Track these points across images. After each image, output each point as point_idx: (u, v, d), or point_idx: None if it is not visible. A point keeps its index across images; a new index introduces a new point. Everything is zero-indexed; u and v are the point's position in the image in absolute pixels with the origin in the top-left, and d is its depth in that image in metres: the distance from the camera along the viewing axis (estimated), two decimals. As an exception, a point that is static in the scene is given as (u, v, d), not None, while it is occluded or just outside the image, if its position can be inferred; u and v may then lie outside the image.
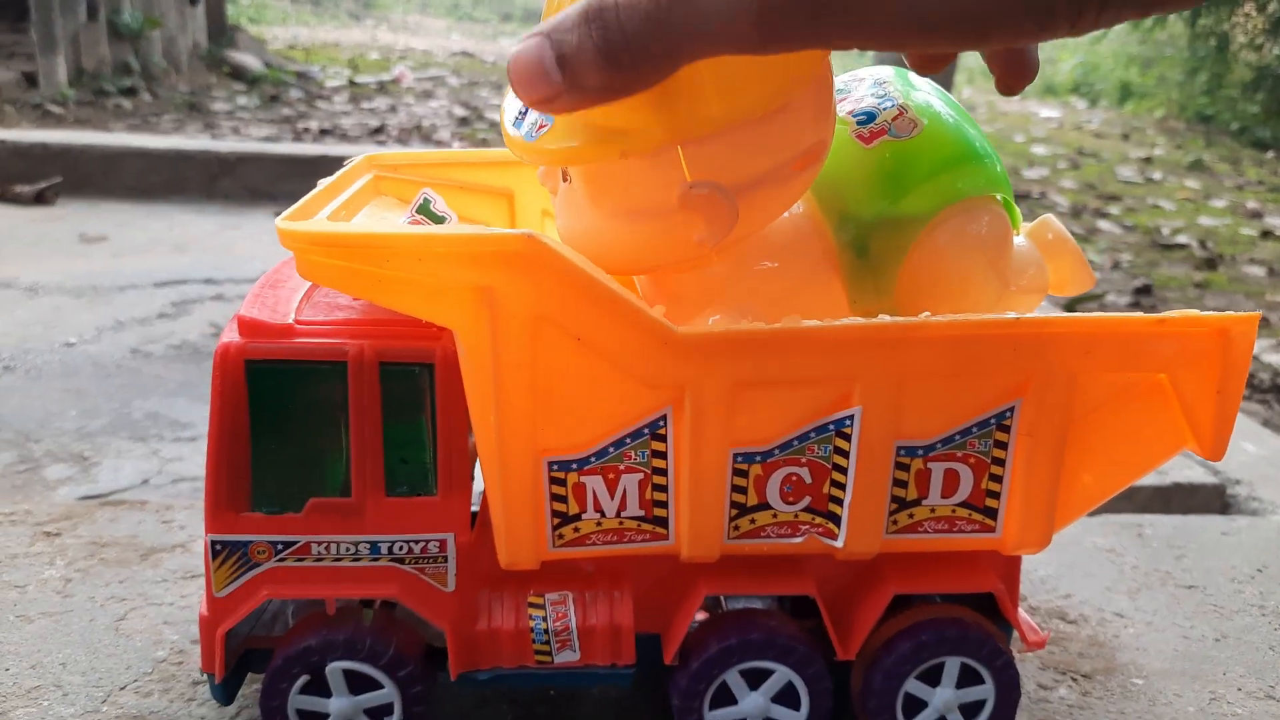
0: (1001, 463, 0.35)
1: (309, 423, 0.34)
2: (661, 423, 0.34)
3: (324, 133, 2.12)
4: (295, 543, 0.35)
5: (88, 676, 0.42)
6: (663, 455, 0.34)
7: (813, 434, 0.34)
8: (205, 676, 0.38)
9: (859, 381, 0.33)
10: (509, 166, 0.46)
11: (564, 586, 0.37)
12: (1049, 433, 0.35)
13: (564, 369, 0.32)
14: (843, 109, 0.37)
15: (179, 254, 1.27)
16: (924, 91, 0.38)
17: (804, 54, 0.29)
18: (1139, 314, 0.34)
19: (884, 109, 0.37)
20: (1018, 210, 0.38)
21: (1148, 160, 2.64)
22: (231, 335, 0.33)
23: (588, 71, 0.25)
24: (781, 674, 0.38)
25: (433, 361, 0.33)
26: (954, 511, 0.36)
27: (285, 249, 0.31)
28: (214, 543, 0.34)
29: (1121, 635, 0.49)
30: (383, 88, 2.86)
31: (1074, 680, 0.45)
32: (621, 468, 0.34)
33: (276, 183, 1.55)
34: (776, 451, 0.34)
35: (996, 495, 0.36)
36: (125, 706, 0.41)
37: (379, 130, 2.21)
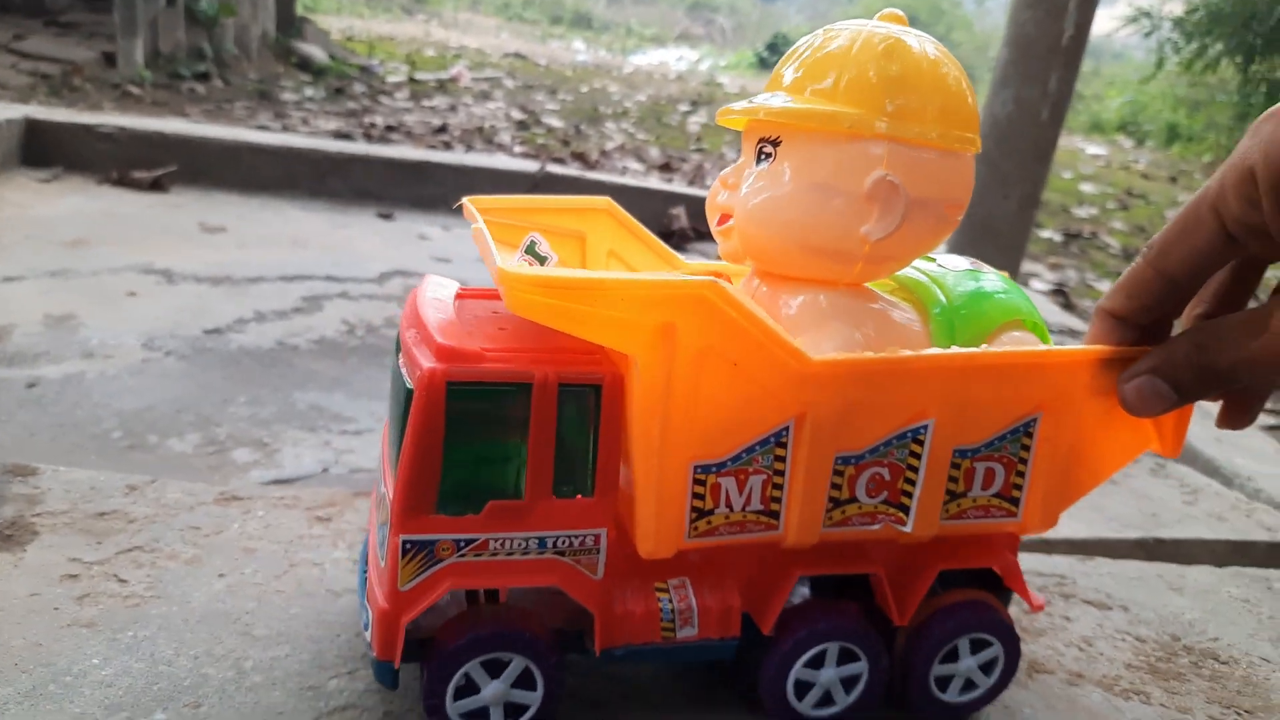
0: (1025, 461, 0.46)
1: (495, 435, 0.40)
2: (785, 433, 0.41)
3: (389, 129, 2.17)
4: (475, 540, 0.40)
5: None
6: (783, 459, 0.42)
7: (895, 440, 0.43)
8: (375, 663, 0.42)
9: (935, 399, 0.42)
10: (581, 212, 0.53)
11: (674, 573, 0.45)
12: (1060, 439, 0.45)
13: (717, 389, 0.39)
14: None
15: (299, 249, 1.39)
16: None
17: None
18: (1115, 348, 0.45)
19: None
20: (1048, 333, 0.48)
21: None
22: (428, 361, 0.38)
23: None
24: (851, 657, 0.46)
25: (601, 383, 0.40)
26: (990, 501, 0.46)
27: (508, 293, 0.36)
28: (405, 542, 0.39)
29: (1272, 679, 0.57)
30: (442, 86, 2.89)
31: (1238, 714, 0.53)
32: (750, 470, 0.42)
33: (382, 185, 1.75)
34: (867, 455, 0.43)
35: (1020, 488, 0.46)
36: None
37: (441, 129, 2.26)
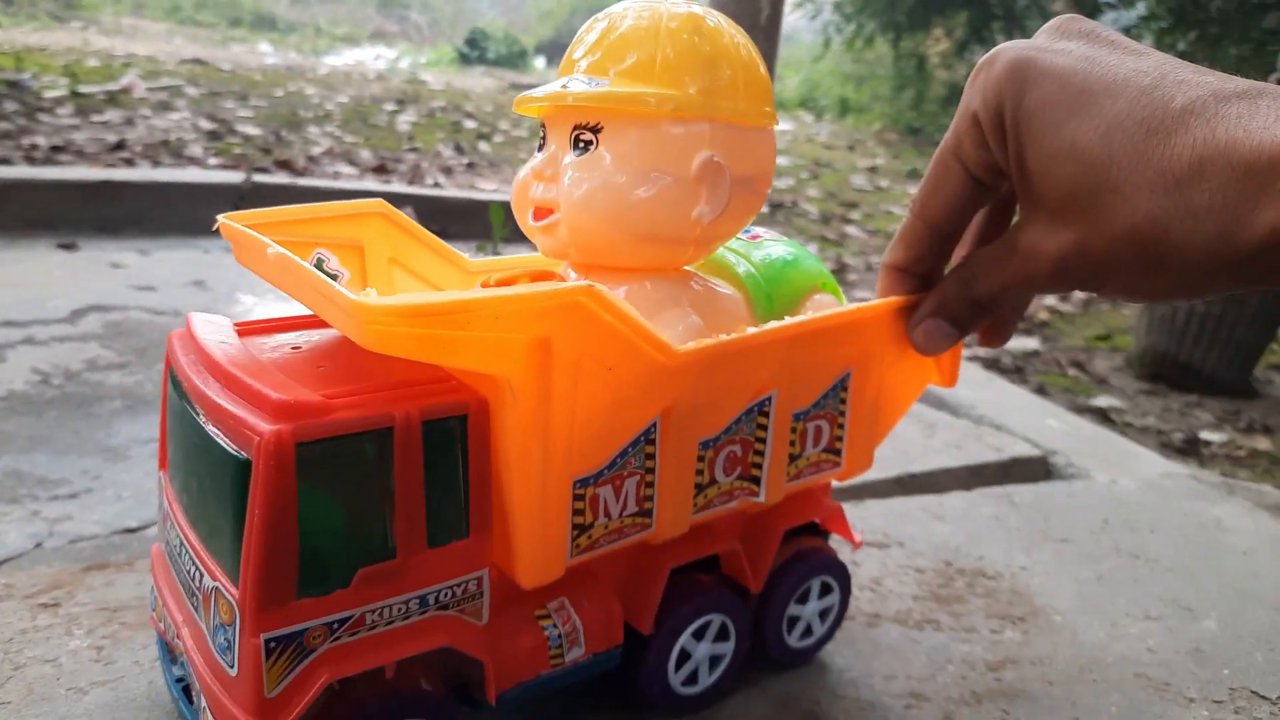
0: (843, 414, 0.49)
1: (355, 494, 0.34)
2: (653, 429, 0.40)
3: (56, 149, 1.73)
4: (350, 617, 0.34)
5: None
6: (653, 456, 0.41)
7: (743, 417, 0.44)
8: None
9: (775, 370, 0.43)
10: (354, 219, 0.47)
11: (552, 596, 0.42)
12: (868, 387, 0.49)
13: (592, 397, 0.37)
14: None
15: (-41, 296, 1.04)
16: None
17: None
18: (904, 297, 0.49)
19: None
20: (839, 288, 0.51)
21: (873, 169, 3.06)
22: (264, 421, 0.32)
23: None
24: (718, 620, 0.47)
25: (466, 413, 0.36)
26: (820, 457, 0.48)
27: (366, 327, 0.31)
28: (268, 641, 0.32)
29: (1031, 584, 0.64)
30: (112, 98, 2.34)
31: (1013, 623, 0.59)
32: (625, 474, 0.40)
33: (56, 211, 1.54)
34: (722, 436, 0.43)
35: (841, 439, 0.49)
36: None
37: (119, 146, 1.84)
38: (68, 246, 1.45)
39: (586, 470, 0.39)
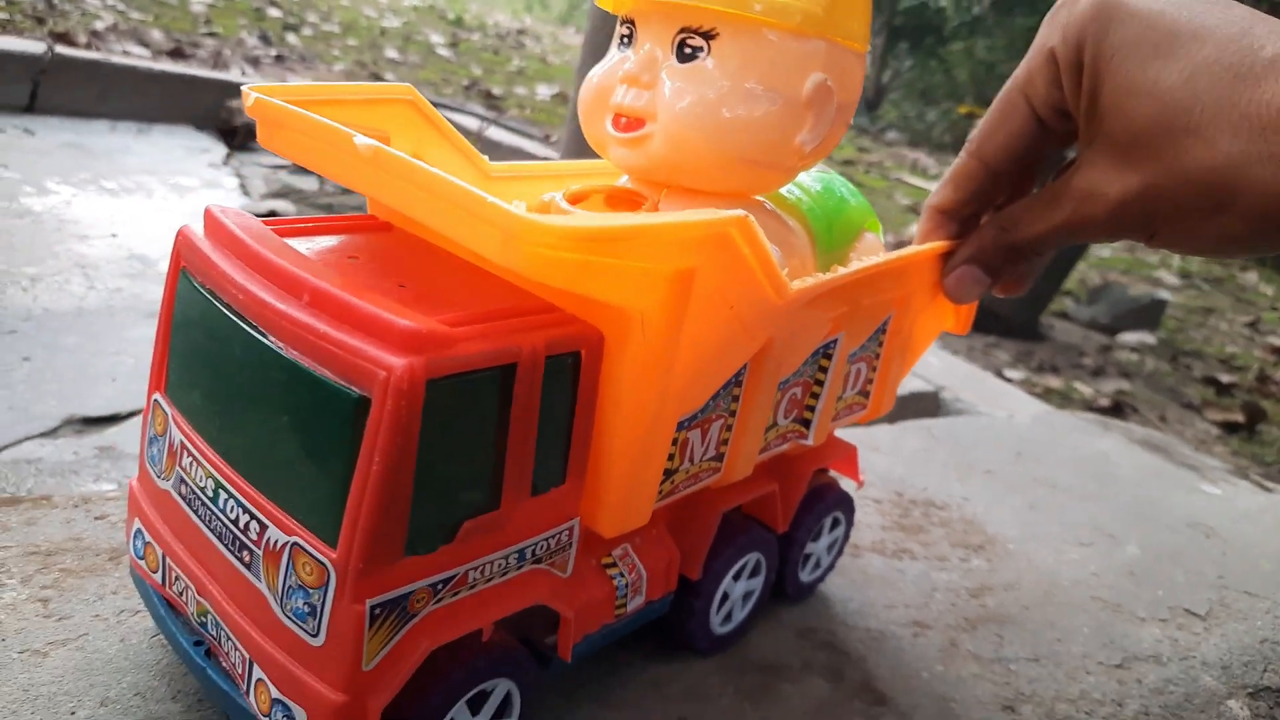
0: (878, 356, 0.48)
1: (470, 438, 0.29)
2: (743, 370, 0.37)
3: None
4: (453, 576, 0.30)
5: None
6: (738, 398, 0.38)
7: (810, 359, 0.42)
8: None
9: (845, 312, 0.42)
10: (383, 104, 0.40)
11: (617, 542, 0.39)
12: (902, 331, 0.48)
13: (708, 336, 0.34)
14: None
15: None
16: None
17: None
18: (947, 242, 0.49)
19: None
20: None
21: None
22: (392, 353, 0.26)
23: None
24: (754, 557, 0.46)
25: (581, 349, 0.32)
26: (853, 399, 0.47)
27: (523, 249, 0.26)
28: (374, 608, 0.28)
29: (978, 514, 0.66)
30: None
31: (975, 550, 0.61)
32: (713, 416, 0.37)
33: None
34: (792, 377, 0.41)
35: (872, 381, 0.48)
36: None
37: None
38: None
39: (686, 412, 0.35)
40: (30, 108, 1.60)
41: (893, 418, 0.90)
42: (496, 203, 0.26)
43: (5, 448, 0.68)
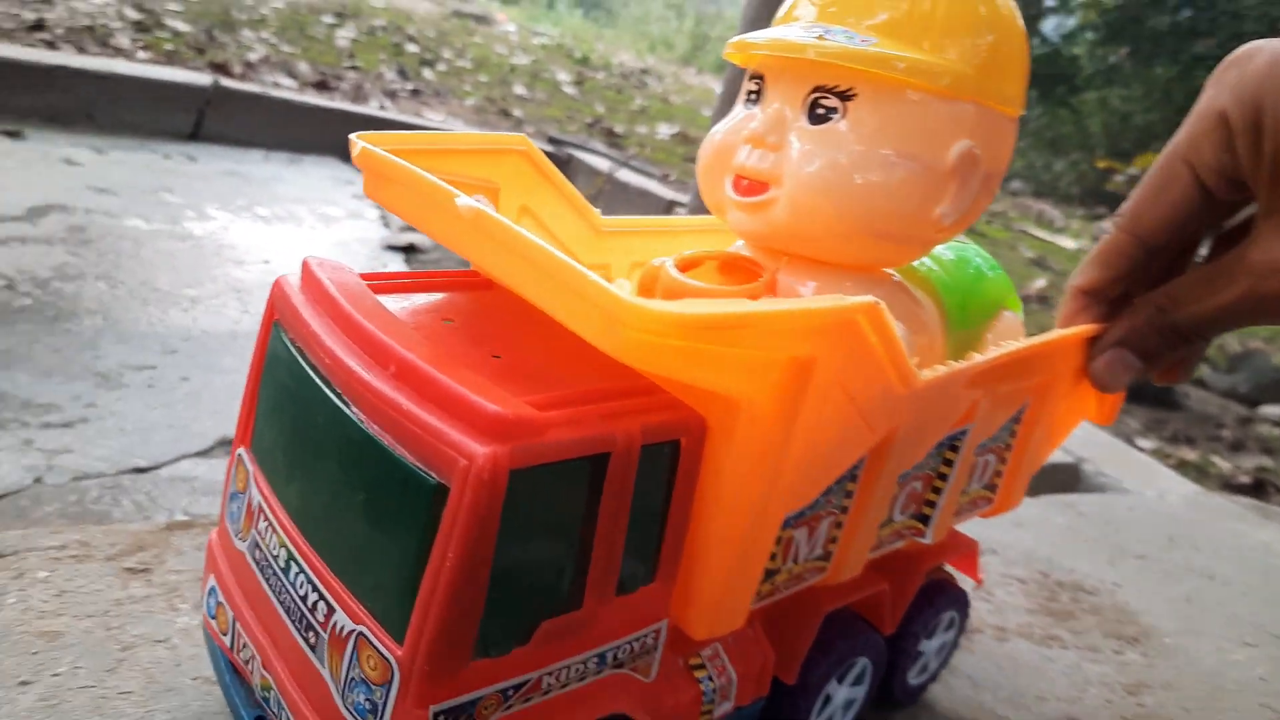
0: (1010, 447, 0.43)
1: (554, 532, 0.27)
2: (859, 464, 0.34)
3: None
4: (526, 682, 0.27)
5: None
6: (851, 494, 0.34)
7: (934, 450, 0.38)
8: None
9: (979, 400, 0.37)
10: (494, 155, 0.39)
11: (705, 643, 0.36)
12: (1040, 421, 0.43)
13: (824, 427, 0.30)
14: None
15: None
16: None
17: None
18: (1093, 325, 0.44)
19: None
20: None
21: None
22: (474, 440, 0.24)
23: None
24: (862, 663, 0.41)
25: (681, 439, 0.29)
26: (978, 493, 0.43)
27: (628, 331, 0.23)
28: (436, 715, 0.25)
29: (1131, 602, 0.61)
30: None
31: (1130, 643, 0.56)
32: (823, 513, 0.34)
33: None
34: (912, 471, 0.37)
35: (1001, 474, 0.44)
36: None
37: (38, 26, 1.61)
38: (13, 135, 1.29)
39: (793, 509, 0.32)
40: (194, 135, 1.70)
41: (1034, 490, 0.84)
42: (600, 282, 0.24)
43: (164, 464, 0.69)
